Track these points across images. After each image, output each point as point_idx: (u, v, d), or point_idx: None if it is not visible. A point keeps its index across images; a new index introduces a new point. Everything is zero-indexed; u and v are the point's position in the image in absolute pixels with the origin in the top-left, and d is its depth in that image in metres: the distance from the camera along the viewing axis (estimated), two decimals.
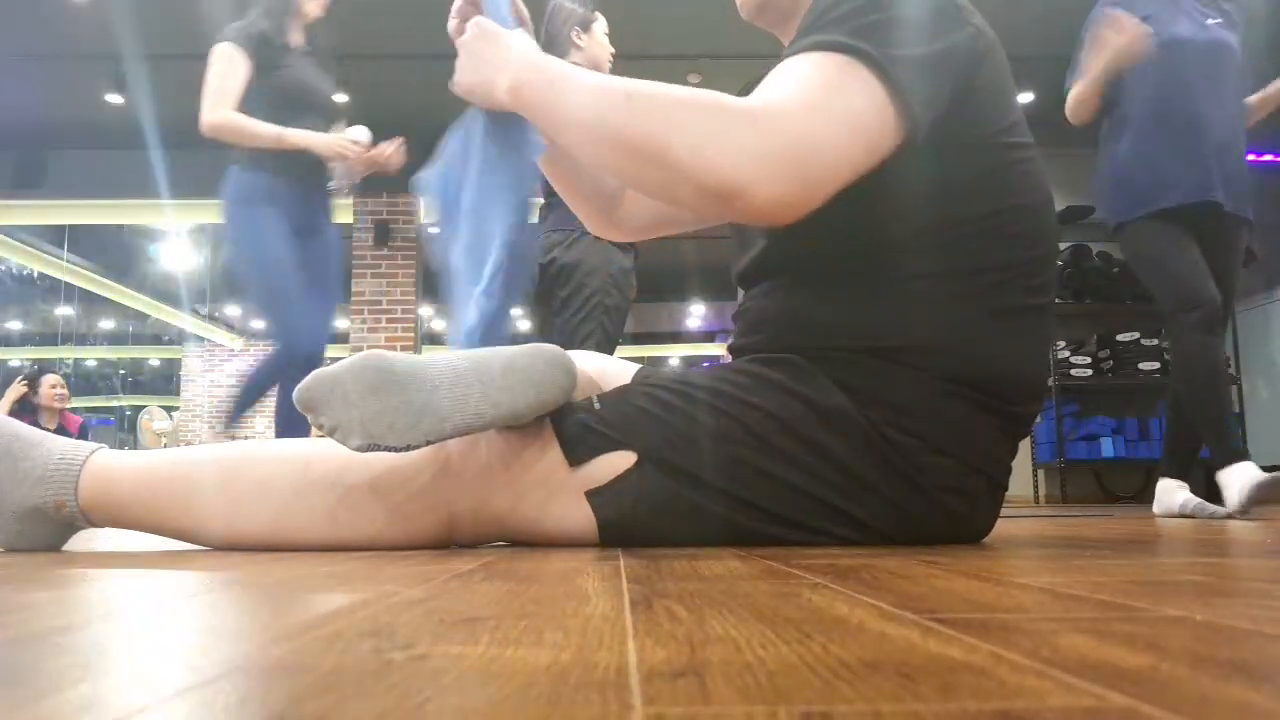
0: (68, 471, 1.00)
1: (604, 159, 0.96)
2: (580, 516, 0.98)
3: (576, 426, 0.99)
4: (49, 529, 1.02)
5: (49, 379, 5.19)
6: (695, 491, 0.96)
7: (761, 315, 1.09)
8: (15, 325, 12.98)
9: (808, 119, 0.87)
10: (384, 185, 6.61)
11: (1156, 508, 2.48)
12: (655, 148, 0.88)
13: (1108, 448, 5.16)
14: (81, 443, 1.03)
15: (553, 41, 2.70)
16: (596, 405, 1.02)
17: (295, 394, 0.94)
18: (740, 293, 1.27)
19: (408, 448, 0.92)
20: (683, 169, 0.87)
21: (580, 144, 0.97)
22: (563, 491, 0.98)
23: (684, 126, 0.87)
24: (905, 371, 0.97)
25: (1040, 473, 5.47)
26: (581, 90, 0.94)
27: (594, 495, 0.97)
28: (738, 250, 1.19)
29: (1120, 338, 5.32)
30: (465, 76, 1.06)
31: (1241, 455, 2.26)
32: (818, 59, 0.90)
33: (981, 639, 0.35)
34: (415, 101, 6.20)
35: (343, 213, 6.70)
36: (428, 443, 0.92)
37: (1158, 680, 0.28)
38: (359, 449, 0.92)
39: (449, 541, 1.02)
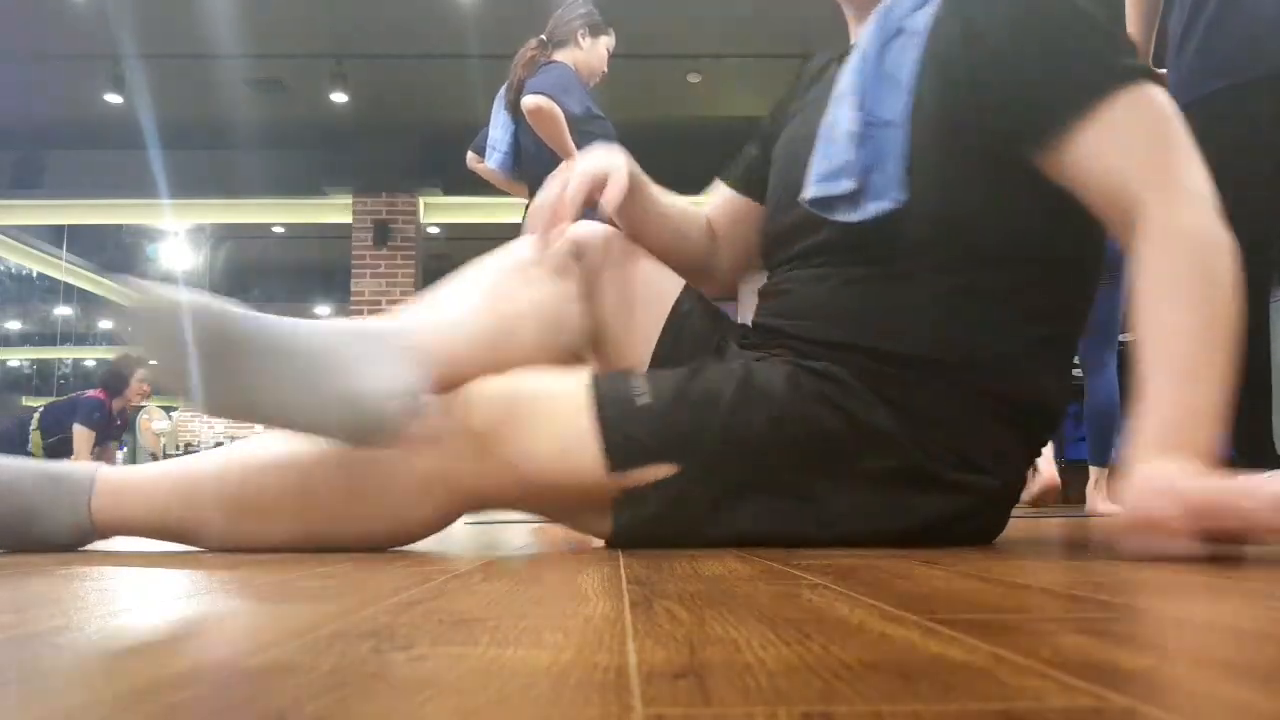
0: (78, 498, 0.96)
1: None
2: (602, 527, 0.96)
3: (624, 433, 0.92)
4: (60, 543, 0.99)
5: (141, 373, 5.09)
6: (724, 502, 0.93)
7: (811, 302, 1.02)
8: (14, 325, 12.97)
9: (1199, 168, 0.86)
10: (383, 185, 6.61)
11: None
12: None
13: None
14: (79, 467, 0.99)
15: (555, 31, 2.71)
16: (648, 398, 0.94)
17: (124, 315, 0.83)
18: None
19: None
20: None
21: None
22: (595, 495, 0.93)
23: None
24: (958, 390, 0.95)
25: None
26: None
27: (620, 498, 0.93)
28: (776, 211, 1.11)
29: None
30: None
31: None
32: (1139, 100, 0.87)
33: (982, 640, 0.35)
34: (415, 101, 6.21)
35: (342, 212, 6.71)
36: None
37: (1158, 681, 0.28)
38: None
39: (462, 512, 0.98)
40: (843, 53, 1.14)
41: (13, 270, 9.74)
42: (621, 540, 0.96)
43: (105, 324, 11.59)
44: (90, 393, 5.14)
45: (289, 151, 6.64)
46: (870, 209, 0.95)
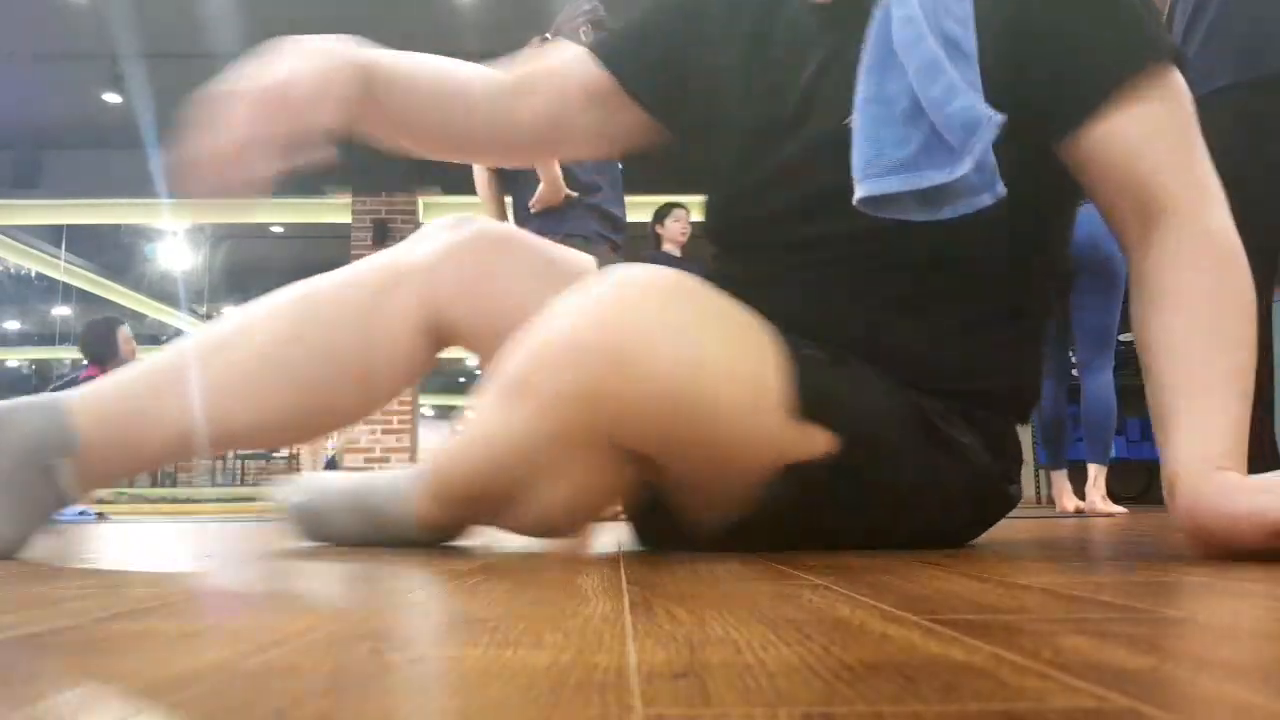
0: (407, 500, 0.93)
1: None
2: (750, 494, 0.82)
3: (809, 381, 0.79)
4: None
5: (125, 330, 5.05)
6: (837, 497, 0.84)
7: (824, 310, 0.89)
8: (13, 325, 12.97)
9: (1209, 168, 0.83)
10: (383, 185, 6.61)
11: None
12: None
13: None
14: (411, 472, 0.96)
15: (559, 29, 2.69)
16: (815, 351, 0.83)
17: None
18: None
19: None
20: None
21: None
22: (760, 439, 0.79)
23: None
24: (997, 414, 0.93)
25: (1042, 473, 5.47)
26: None
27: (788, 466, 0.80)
28: (759, 174, 0.94)
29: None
30: None
31: None
32: (1171, 81, 0.82)
33: (983, 640, 0.35)
34: None
35: (341, 212, 6.71)
36: None
37: (1159, 681, 0.28)
38: None
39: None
40: None
41: (11, 270, 9.74)
42: (777, 505, 0.82)
43: None
44: (85, 373, 5.08)
45: None
46: (959, 206, 0.80)
